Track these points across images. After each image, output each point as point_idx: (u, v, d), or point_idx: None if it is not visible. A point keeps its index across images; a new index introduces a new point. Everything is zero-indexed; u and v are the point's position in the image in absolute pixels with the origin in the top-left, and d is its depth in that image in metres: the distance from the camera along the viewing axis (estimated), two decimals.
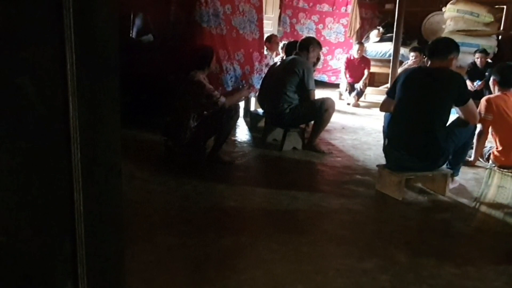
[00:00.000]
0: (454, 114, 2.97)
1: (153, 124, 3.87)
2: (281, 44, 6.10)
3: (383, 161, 3.12)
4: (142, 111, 4.13)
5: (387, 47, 7.17)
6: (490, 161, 3.58)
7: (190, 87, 3.22)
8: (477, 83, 5.89)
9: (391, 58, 6.42)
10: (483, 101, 3.50)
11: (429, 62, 2.93)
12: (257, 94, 4.65)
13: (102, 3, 0.84)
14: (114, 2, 0.87)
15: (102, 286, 0.95)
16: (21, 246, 0.81)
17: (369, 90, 7.07)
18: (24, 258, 0.82)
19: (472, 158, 3.64)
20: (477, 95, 5.29)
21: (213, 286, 1.75)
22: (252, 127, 4.70)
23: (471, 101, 2.85)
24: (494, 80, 3.58)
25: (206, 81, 3.30)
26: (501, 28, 7.24)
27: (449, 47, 2.87)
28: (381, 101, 3.27)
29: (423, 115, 2.81)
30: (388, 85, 6.39)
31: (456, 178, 3.13)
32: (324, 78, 8.14)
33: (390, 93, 3.08)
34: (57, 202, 0.85)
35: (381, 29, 7.65)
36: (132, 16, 4.82)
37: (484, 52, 6.18)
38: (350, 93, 6.73)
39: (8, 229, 0.79)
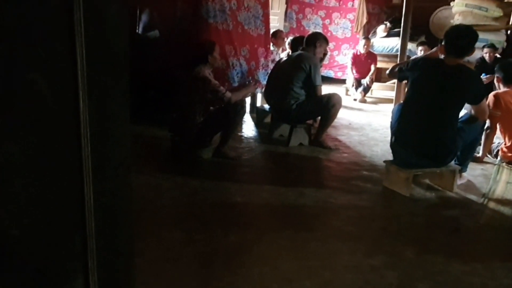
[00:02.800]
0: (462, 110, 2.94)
1: (159, 120, 3.88)
2: (287, 40, 6.08)
3: (390, 157, 3.11)
4: (149, 106, 4.14)
5: (394, 42, 7.11)
6: (499, 157, 3.55)
7: (195, 83, 3.22)
8: (483, 76, 5.82)
9: (398, 53, 6.37)
10: (491, 96, 3.47)
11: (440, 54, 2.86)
12: (263, 89, 4.64)
13: None
14: None
15: (112, 280, 0.96)
16: (33, 240, 0.82)
17: (375, 85, 7.02)
18: (35, 251, 0.83)
19: (480, 154, 3.61)
20: (487, 89, 5.22)
21: (221, 282, 1.76)
22: (258, 122, 4.69)
23: (483, 100, 2.82)
24: (497, 77, 3.56)
25: (211, 76, 3.30)
26: (510, 22, 7.14)
27: (470, 45, 2.69)
28: (388, 97, 3.24)
29: (434, 114, 2.74)
30: (395, 80, 6.34)
31: (464, 174, 3.11)
32: (331, 73, 8.10)
33: (403, 75, 2.95)
34: (67, 197, 0.85)
35: (388, 24, 7.58)
36: (138, 12, 4.82)
37: (492, 47, 6.11)
38: (356, 88, 6.69)
39: (20, 223, 0.79)
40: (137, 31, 4.81)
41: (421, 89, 2.82)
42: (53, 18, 0.78)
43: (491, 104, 3.40)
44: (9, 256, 0.79)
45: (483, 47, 6.18)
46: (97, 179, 0.87)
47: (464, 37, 2.70)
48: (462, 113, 2.99)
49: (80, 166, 0.84)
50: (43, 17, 0.77)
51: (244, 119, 4.52)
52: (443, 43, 2.75)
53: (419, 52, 6.27)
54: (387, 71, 3.13)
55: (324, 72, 7.55)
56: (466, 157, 3.04)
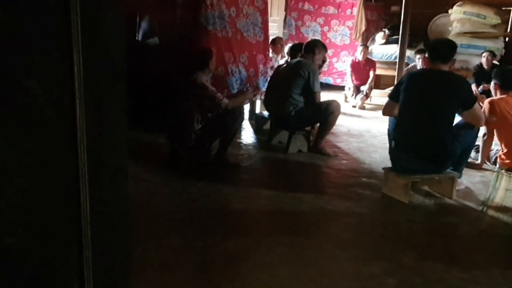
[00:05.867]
0: (459, 116, 2.96)
1: (158, 126, 3.88)
2: (286, 47, 6.10)
3: (389, 164, 3.11)
4: (148, 113, 4.14)
5: (393, 49, 7.15)
6: (497, 164, 3.54)
7: (193, 89, 3.22)
8: (481, 87, 5.86)
9: (397, 60, 6.40)
10: (486, 103, 3.49)
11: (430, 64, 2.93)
12: (262, 96, 4.65)
13: (109, 6, 0.85)
14: (121, 5, 0.87)
15: (108, 287, 0.95)
16: (28, 247, 0.82)
17: (374, 92, 7.05)
18: (31, 259, 0.82)
19: (479, 161, 3.61)
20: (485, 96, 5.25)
21: None
22: (257, 129, 4.70)
23: (476, 105, 2.85)
24: (495, 84, 3.59)
25: (208, 83, 3.31)
26: (508, 30, 7.19)
27: (451, 50, 2.88)
28: None
29: (429, 118, 2.79)
30: None
31: (461, 180, 3.12)
32: (330, 80, 8.12)
33: (393, 96, 3.05)
34: (63, 204, 0.85)
35: (387, 31, 7.63)
36: (138, 19, 4.84)
37: (491, 52, 6.15)
38: (355, 95, 6.71)
39: (15, 231, 0.79)
40: (136, 38, 4.83)
41: (413, 94, 2.87)
42: (49, 24, 0.78)
43: (486, 111, 3.41)
44: (4, 264, 0.79)
45: (482, 53, 6.21)
46: (94, 186, 0.86)
47: (442, 45, 2.96)
48: (457, 119, 3.01)
49: (76, 174, 0.84)
50: (39, 23, 0.77)
51: (243, 126, 4.52)
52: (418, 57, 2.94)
53: (417, 59, 6.29)
54: (382, 112, 3.20)
55: (323, 79, 7.57)
56: (461, 162, 3.05)
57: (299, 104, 3.81)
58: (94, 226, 0.87)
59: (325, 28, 8.16)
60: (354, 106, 6.60)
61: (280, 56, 6.00)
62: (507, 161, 3.43)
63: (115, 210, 0.92)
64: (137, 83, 3.52)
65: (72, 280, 0.87)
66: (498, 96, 3.54)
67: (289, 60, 4.82)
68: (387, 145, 3.25)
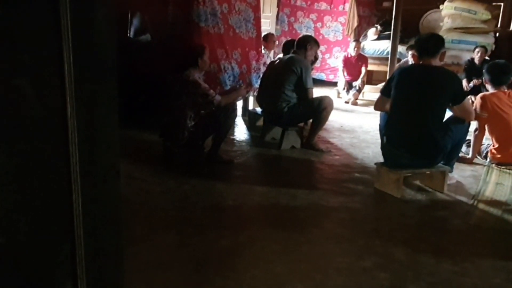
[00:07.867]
0: (449, 111, 2.99)
1: (151, 124, 3.87)
2: (277, 43, 6.09)
3: (381, 159, 3.13)
4: (141, 111, 4.12)
5: (385, 45, 7.17)
6: (488, 159, 3.59)
7: (185, 86, 3.21)
8: (473, 82, 5.91)
9: (389, 56, 6.43)
10: (478, 98, 3.53)
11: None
12: (255, 93, 4.65)
13: (100, 4, 0.84)
14: (111, 3, 0.87)
15: (101, 286, 0.95)
16: (21, 247, 0.81)
17: (367, 88, 7.08)
18: (23, 259, 0.82)
19: (470, 156, 3.66)
20: (475, 92, 5.30)
21: (213, 286, 1.75)
22: (250, 126, 4.70)
23: (467, 100, 2.89)
24: (485, 80, 3.66)
25: (201, 80, 3.30)
26: (499, 25, 7.25)
27: (438, 44, 2.87)
28: None
29: (419, 113, 2.82)
30: None
31: (452, 174, 3.15)
32: (322, 76, 8.14)
33: (384, 91, 3.07)
34: (55, 203, 0.85)
35: (379, 27, 7.65)
36: (130, 16, 4.81)
37: (484, 48, 6.20)
38: (348, 91, 6.74)
39: (7, 231, 0.79)
40: (128, 35, 4.79)
41: (404, 90, 2.89)
42: (39, 23, 0.78)
43: (478, 106, 3.45)
44: None
45: (474, 48, 6.27)
46: (86, 185, 0.86)
47: (428, 40, 2.93)
48: (448, 114, 3.04)
49: (68, 173, 0.84)
50: (29, 22, 0.76)
51: (236, 123, 4.52)
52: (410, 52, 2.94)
53: (409, 55, 6.33)
54: (374, 107, 3.21)
55: (316, 74, 7.59)
56: (452, 156, 3.09)
57: (292, 101, 3.82)
58: (86, 225, 0.87)
59: (318, 24, 8.18)
60: (346, 102, 6.63)
61: (272, 52, 6.00)
62: (498, 155, 3.47)
63: (108, 209, 0.92)
64: (129, 80, 3.51)
65: (65, 280, 0.87)
66: (490, 91, 3.59)
67: (282, 56, 4.82)
68: (379, 140, 3.27)
